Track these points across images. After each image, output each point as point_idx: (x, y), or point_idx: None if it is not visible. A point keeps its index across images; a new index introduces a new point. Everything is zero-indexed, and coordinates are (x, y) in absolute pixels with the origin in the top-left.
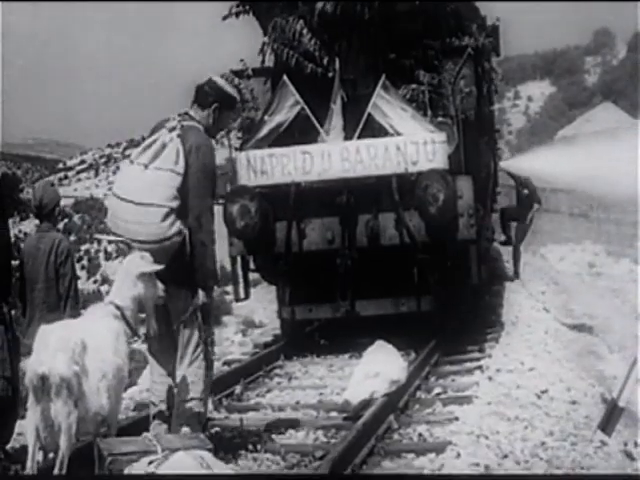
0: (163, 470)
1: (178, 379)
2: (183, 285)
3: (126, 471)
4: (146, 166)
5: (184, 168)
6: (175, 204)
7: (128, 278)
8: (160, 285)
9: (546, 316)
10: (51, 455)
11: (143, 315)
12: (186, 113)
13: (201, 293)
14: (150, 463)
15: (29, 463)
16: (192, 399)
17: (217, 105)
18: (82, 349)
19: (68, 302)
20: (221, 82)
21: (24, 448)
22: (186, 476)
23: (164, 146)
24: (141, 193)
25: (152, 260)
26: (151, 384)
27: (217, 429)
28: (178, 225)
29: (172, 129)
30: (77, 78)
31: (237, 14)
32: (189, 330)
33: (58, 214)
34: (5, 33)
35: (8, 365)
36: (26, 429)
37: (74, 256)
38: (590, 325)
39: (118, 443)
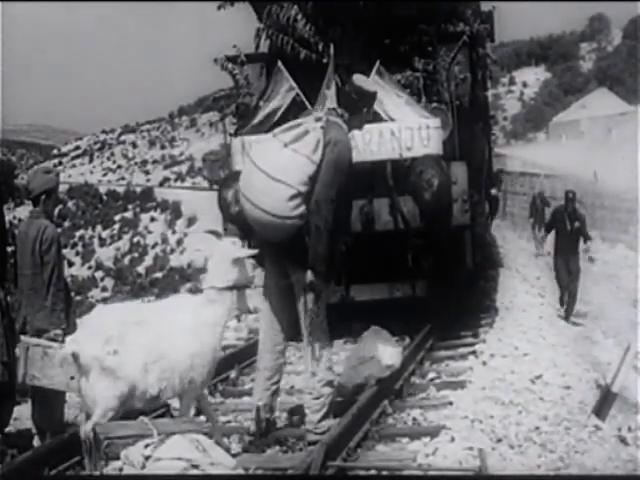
0: (159, 453)
1: (304, 355)
2: (304, 267)
3: (122, 454)
4: (286, 145)
5: (320, 159)
6: (304, 189)
7: (224, 263)
8: (250, 268)
9: (541, 301)
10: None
11: None
12: (334, 109)
13: (309, 273)
14: (146, 446)
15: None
16: (320, 371)
17: (366, 109)
18: (127, 329)
19: (50, 289)
20: (362, 82)
21: (20, 433)
22: (185, 476)
23: (306, 132)
24: (276, 168)
25: (240, 242)
26: (261, 353)
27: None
28: (302, 209)
29: (318, 119)
30: (73, 64)
31: (232, 1)
32: (311, 301)
33: (45, 201)
34: (2, 19)
35: (5, 350)
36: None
37: (60, 243)
38: (585, 311)
39: (114, 427)
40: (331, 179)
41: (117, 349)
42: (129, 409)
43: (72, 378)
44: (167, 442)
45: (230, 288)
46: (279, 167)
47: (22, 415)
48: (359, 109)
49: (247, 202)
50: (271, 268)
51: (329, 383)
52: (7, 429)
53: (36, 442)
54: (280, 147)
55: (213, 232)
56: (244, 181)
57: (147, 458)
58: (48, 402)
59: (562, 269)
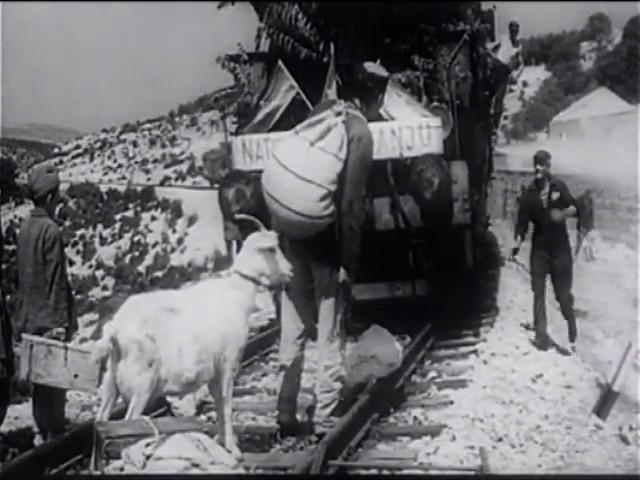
0: (160, 452)
1: (319, 349)
2: (327, 262)
3: (123, 453)
4: (312, 143)
5: (346, 156)
6: (333, 187)
7: (248, 250)
8: (287, 264)
9: None
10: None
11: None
12: (352, 102)
13: (342, 271)
14: (147, 445)
15: (99, 414)
16: (333, 365)
17: (381, 95)
18: (162, 315)
19: (53, 287)
20: (374, 69)
21: (21, 431)
22: (186, 476)
23: (329, 129)
24: (305, 168)
25: (274, 236)
26: (284, 345)
27: (213, 412)
28: (332, 208)
29: (338, 113)
30: (74, 63)
31: (233, 0)
32: (329, 305)
33: (51, 200)
34: (2, 18)
35: (3, 347)
36: (103, 384)
37: (62, 242)
38: (585, 310)
39: (116, 426)
40: (359, 177)
41: (153, 334)
42: (166, 394)
43: (76, 376)
44: (168, 441)
45: (254, 279)
46: (308, 167)
47: (23, 414)
48: (375, 96)
49: (275, 202)
50: (292, 263)
51: (340, 378)
52: (8, 428)
53: (37, 441)
54: (306, 146)
55: (251, 221)
56: (269, 181)
57: (148, 457)
58: (49, 401)
59: (541, 271)
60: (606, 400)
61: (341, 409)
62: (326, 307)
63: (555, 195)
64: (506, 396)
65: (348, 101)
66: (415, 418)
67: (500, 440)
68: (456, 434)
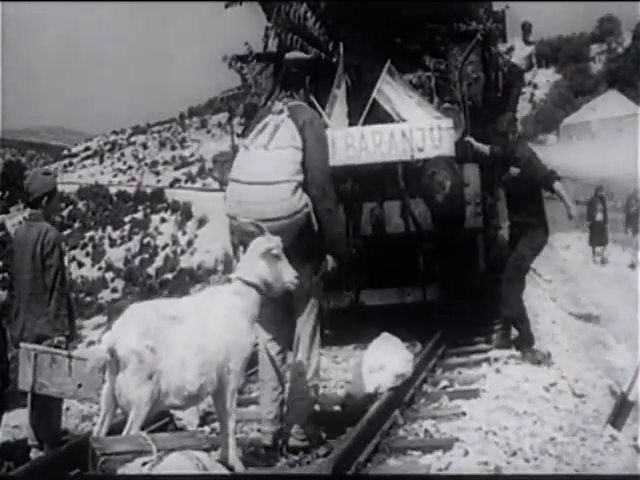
0: (157, 472)
1: (296, 355)
2: (307, 260)
3: (120, 472)
4: (266, 147)
5: (302, 143)
6: (301, 177)
7: (251, 255)
8: (291, 271)
9: (553, 305)
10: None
11: None
12: (286, 95)
13: (330, 258)
14: (144, 464)
15: (97, 428)
16: (310, 378)
17: (309, 77)
18: (164, 324)
19: (54, 294)
20: (295, 54)
21: (18, 443)
22: (185, 476)
23: (277, 127)
24: (268, 173)
25: (279, 241)
26: (263, 363)
27: (217, 424)
28: (305, 197)
29: (280, 112)
30: (82, 64)
31: (240, 0)
32: (311, 301)
33: (47, 203)
34: (8, 18)
35: None
36: (101, 396)
37: (62, 246)
38: (597, 314)
39: (112, 442)
40: (322, 159)
41: (154, 345)
42: (167, 408)
43: (80, 386)
44: (165, 460)
45: (257, 286)
46: (270, 170)
47: (22, 423)
48: (302, 80)
49: (250, 224)
50: None
51: (315, 387)
52: (5, 438)
53: (33, 454)
54: (262, 152)
55: (256, 225)
56: (237, 205)
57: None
58: (46, 411)
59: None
60: (621, 410)
61: (318, 420)
62: (306, 313)
63: (513, 171)
64: (519, 406)
65: (283, 98)
66: (426, 431)
67: (514, 454)
68: (469, 448)
